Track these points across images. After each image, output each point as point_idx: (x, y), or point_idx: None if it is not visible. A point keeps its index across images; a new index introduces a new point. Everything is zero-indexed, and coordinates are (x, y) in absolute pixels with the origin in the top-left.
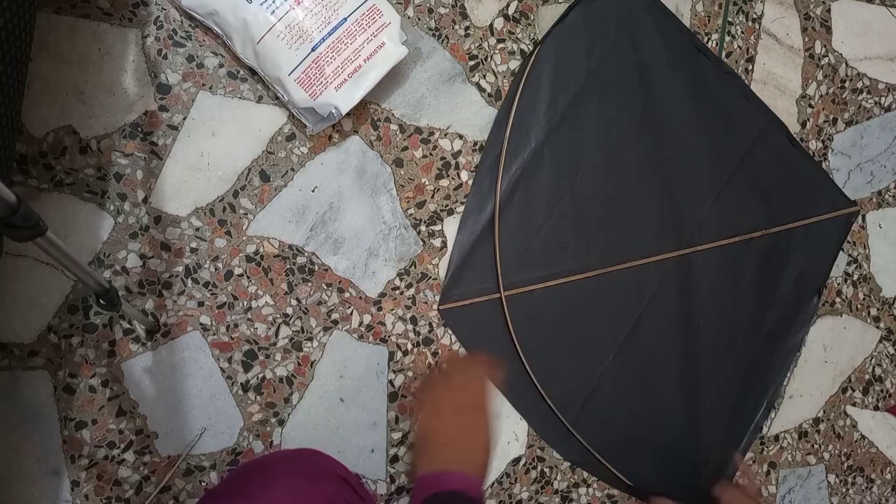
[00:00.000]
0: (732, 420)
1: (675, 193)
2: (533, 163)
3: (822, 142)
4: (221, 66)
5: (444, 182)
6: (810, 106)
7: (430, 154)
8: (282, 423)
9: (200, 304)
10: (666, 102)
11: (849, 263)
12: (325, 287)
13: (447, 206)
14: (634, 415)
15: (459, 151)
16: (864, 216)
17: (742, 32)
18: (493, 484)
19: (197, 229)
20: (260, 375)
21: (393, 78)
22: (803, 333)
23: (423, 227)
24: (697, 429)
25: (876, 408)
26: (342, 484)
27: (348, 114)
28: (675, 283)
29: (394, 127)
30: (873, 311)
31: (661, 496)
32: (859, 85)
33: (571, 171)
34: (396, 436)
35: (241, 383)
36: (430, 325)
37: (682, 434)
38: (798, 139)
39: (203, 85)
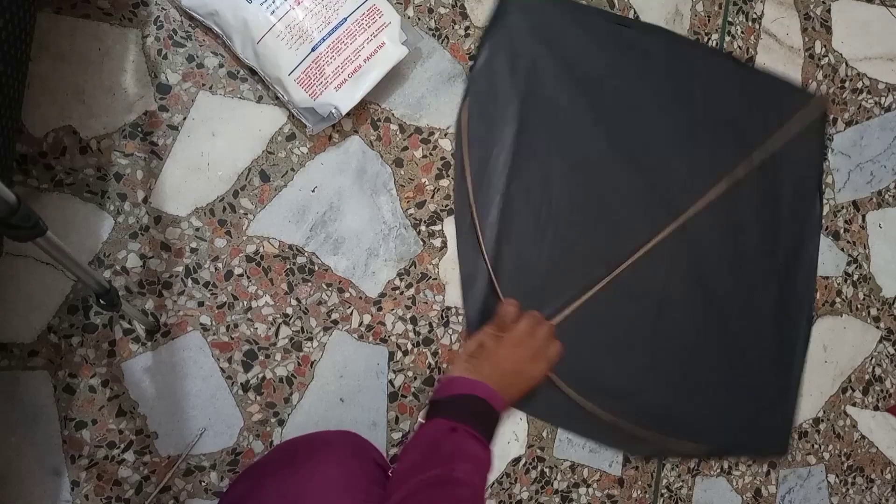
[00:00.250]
0: (779, 350)
1: (648, 171)
2: (506, 209)
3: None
4: (221, 66)
5: (444, 182)
6: None
7: (430, 154)
8: (282, 423)
9: (200, 304)
10: (606, 90)
11: (849, 263)
12: (325, 287)
13: (447, 206)
14: (689, 392)
15: None
16: (864, 216)
17: (742, 32)
18: (493, 484)
19: (197, 229)
20: (260, 375)
21: (393, 78)
22: (815, 243)
23: (423, 227)
24: (750, 378)
25: (876, 408)
26: (380, 470)
27: (348, 114)
28: (681, 258)
29: (394, 127)
30: (873, 311)
31: None
32: (859, 85)
33: (545, 199)
34: (396, 436)
35: (241, 383)
36: (430, 325)
37: (737, 392)
38: None
39: (203, 85)
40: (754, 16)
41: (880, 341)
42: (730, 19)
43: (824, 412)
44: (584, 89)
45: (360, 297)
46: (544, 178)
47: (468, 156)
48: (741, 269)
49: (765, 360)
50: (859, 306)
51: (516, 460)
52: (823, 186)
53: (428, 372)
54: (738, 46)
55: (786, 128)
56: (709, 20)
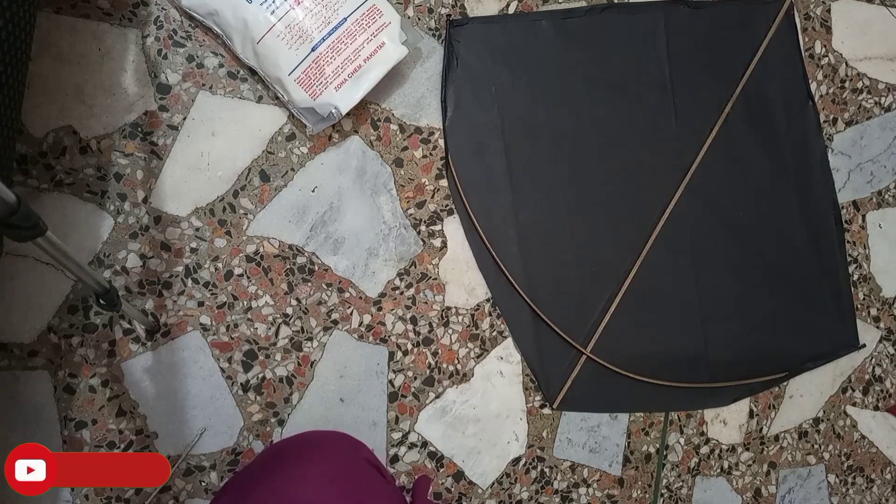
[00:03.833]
0: (819, 258)
1: (642, 147)
2: (523, 240)
3: (823, 142)
4: (221, 66)
5: (443, 182)
6: None
7: (430, 154)
8: (282, 423)
9: (200, 304)
10: (577, 85)
11: (849, 263)
12: (325, 287)
13: (447, 206)
14: (751, 329)
15: None
16: (864, 216)
17: None
18: (493, 484)
19: (197, 229)
20: (260, 375)
21: (393, 78)
22: (820, 143)
23: (423, 227)
24: (802, 294)
25: (876, 408)
26: (372, 468)
27: (348, 114)
28: (699, 212)
29: (394, 127)
30: (873, 311)
31: None
32: (859, 85)
33: (556, 214)
34: (396, 436)
35: (241, 383)
36: (430, 325)
37: (794, 311)
38: None
39: (203, 85)
40: None
41: (880, 341)
42: None
43: (824, 412)
44: (555, 93)
45: (360, 297)
46: (549, 194)
47: (471, 208)
48: (758, 196)
49: (810, 272)
50: (859, 306)
51: (516, 460)
52: (811, 89)
53: (428, 372)
54: None
55: (760, 44)
56: None
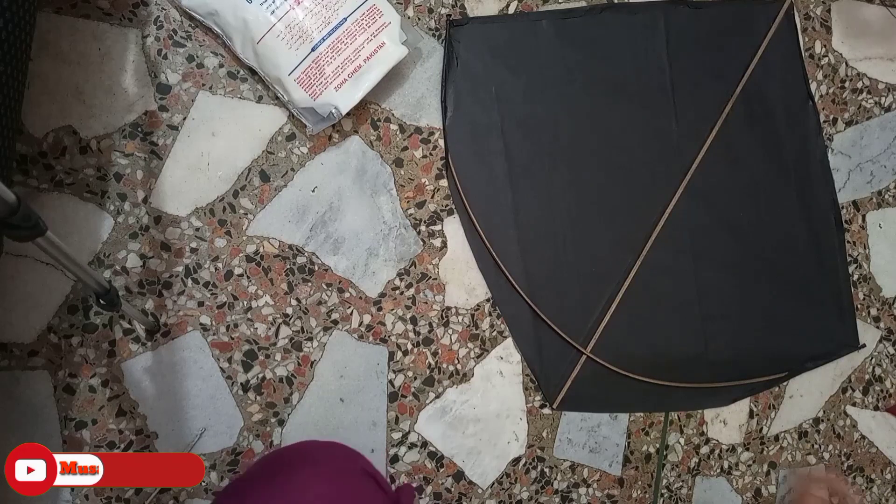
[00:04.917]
0: (819, 257)
1: (641, 149)
2: (523, 240)
3: (823, 142)
4: (221, 66)
5: (443, 182)
6: None
7: (430, 154)
8: (282, 423)
9: (200, 304)
10: (576, 86)
11: (849, 263)
12: (325, 287)
13: (447, 206)
14: (750, 329)
15: None
16: (864, 216)
17: None
18: (493, 484)
19: (197, 229)
20: (260, 375)
21: (393, 78)
22: (820, 143)
23: (423, 227)
24: (801, 293)
25: (876, 408)
26: (369, 479)
27: (348, 114)
28: (699, 212)
29: (394, 127)
30: (873, 311)
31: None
32: (859, 85)
33: (556, 216)
34: (396, 436)
35: (241, 383)
36: (430, 325)
37: (794, 310)
38: None
39: (203, 85)
40: None
41: (880, 341)
42: None
43: (824, 412)
44: (555, 93)
45: (360, 297)
46: (549, 194)
47: (471, 208)
48: (758, 195)
49: (810, 272)
50: (859, 306)
51: (516, 460)
52: (811, 89)
53: (428, 372)
54: None
55: (760, 44)
56: None
